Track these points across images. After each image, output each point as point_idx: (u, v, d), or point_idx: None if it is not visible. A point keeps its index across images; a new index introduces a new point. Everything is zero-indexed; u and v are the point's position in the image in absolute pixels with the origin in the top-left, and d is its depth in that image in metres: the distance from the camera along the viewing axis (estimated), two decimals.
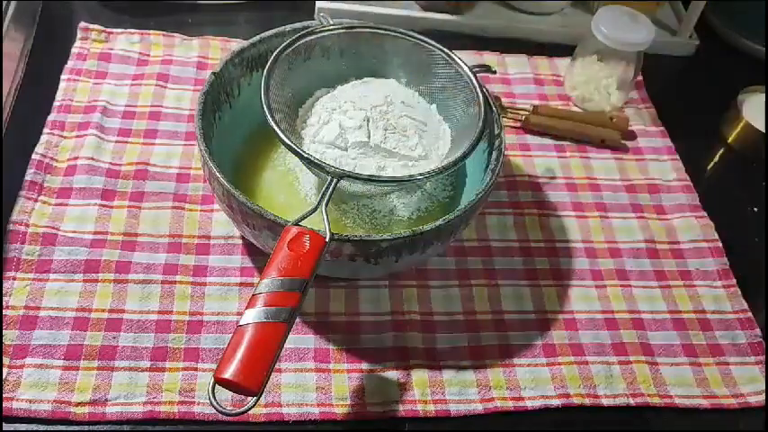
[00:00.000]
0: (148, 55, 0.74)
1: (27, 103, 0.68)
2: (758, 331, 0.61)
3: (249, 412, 0.50)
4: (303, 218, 0.47)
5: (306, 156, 0.51)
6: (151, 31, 0.76)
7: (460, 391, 0.54)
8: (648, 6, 0.83)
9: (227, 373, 0.40)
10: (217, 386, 0.41)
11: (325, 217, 0.47)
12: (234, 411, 0.42)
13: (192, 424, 0.50)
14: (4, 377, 0.50)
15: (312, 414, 0.52)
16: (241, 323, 0.42)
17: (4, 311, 0.53)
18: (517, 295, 0.61)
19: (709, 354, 0.59)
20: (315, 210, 0.48)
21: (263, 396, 0.51)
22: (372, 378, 0.54)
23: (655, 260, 0.64)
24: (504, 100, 0.76)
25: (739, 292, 0.63)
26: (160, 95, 0.70)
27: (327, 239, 0.46)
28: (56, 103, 0.68)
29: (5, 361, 0.51)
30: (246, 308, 0.42)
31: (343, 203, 0.59)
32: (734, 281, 0.64)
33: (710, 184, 0.73)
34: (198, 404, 0.51)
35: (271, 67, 0.55)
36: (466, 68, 0.58)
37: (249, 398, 0.42)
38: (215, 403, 0.41)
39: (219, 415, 0.50)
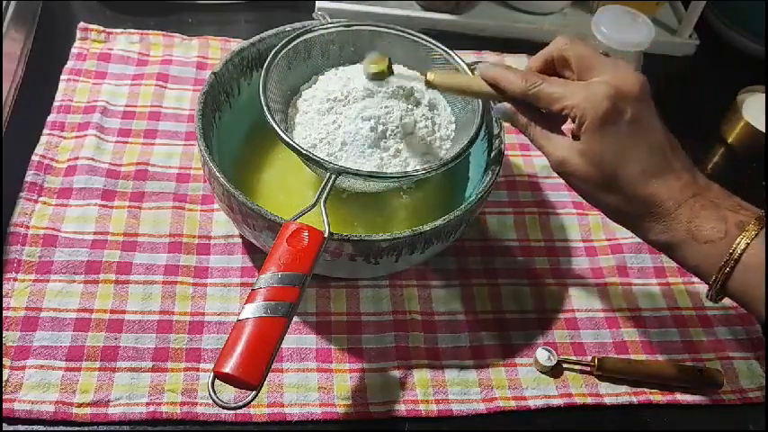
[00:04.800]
0: (148, 55, 0.74)
1: (27, 103, 0.68)
2: (758, 327, 0.61)
3: (252, 412, 0.51)
4: (302, 214, 0.47)
5: (305, 153, 0.51)
6: (151, 32, 0.76)
7: (463, 390, 0.54)
8: (648, 6, 0.83)
9: (227, 367, 0.40)
10: (218, 383, 0.41)
11: (324, 213, 0.47)
12: (233, 405, 0.42)
13: (194, 424, 0.50)
14: (5, 378, 0.50)
15: (314, 414, 0.52)
16: (240, 318, 0.42)
17: (5, 313, 0.53)
18: (518, 294, 0.61)
19: (709, 350, 0.59)
20: (313, 206, 0.48)
21: (265, 396, 0.52)
22: (374, 378, 0.54)
23: (655, 255, 0.64)
24: None
25: None
26: (160, 95, 0.70)
27: (326, 235, 0.46)
28: (55, 104, 0.68)
29: (7, 362, 0.51)
30: (246, 303, 0.43)
31: (343, 198, 0.59)
32: None
33: None
34: (200, 405, 0.51)
35: (269, 65, 0.55)
36: (464, 65, 0.58)
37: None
38: (214, 397, 0.41)
39: (222, 415, 0.50)
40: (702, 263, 0.44)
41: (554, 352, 0.55)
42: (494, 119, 0.58)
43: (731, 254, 0.42)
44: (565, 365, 0.56)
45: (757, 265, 0.42)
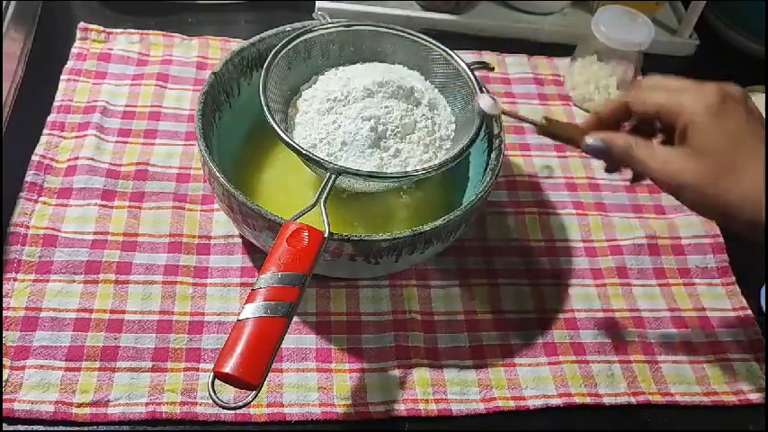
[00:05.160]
0: (148, 55, 0.74)
1: (27, 103, 0.68)
2: (758, 328, 0.61)
3: (251, 412, 0.51)
4: (302, 214, 0.48)
5: (305, 153, 0.51)
6: (151, 32, 0.76)
7: (462, 390, 0.54)
8: (648, 6, 0.83)
9: (227, 367, 0.40)
10: (217, 383, 0.41)
11: (324, 213, 0.47)
12: (233, 405, 0.42)
13: (194, 424, 0.50)
14: (5, 378, 0.50)
15: (314, 414, 0.52)
16: (240, 318, 0.42)
17: (5, 313, 0.53)
18: (517, 295, 0.61)
19: (709, 351, 0.59)
20: (313, 206, 0.48)
21: (265, 396, 0.52)
22: (374, 378, 0.54)
23: (655, 257, 0.64)
24: (504, 99, 0.76)
25: (738, 290, 0.63)
26: (160, 95, 0.70)
27: (326, 235, 0.46)
28: (55, 104, 0.68)
29: (7, 362, 0.51)
30: (246, 303, 0.43)
31: (343, 198, 0.59)
32: (733, 278, 0.64)
33: None
34: (200, 405, 0.51)
35: (269, 65, 0.55)
36: (464, 65, 0.58)
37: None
38: (214, 397, 0.41)
39: (222, 415, 0.50)
40: None
41: (498, 101, 0.54)
42: (494, 118, 0.58)
43: None
44: (506, 113, 0.54)
45: None
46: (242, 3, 0.82)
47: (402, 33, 0.60)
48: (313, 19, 0.60)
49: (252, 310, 0.42)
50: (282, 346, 0.45)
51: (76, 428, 0.49)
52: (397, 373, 0.55)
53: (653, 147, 0.45)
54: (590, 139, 0.47)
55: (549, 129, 0.51)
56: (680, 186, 0.44)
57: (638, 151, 0.45)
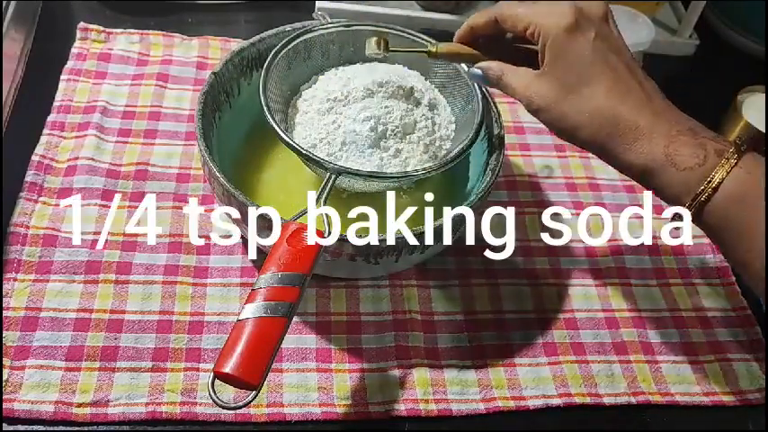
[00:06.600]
0: (148, 55, 0.74)
1: (27, 103, 0.68)
2: (758, 329, 0.61)
3: (251, 412, 0.51)
4: (302, 214, 0.48)
5: (305, 153, 0.51)
6: (151, 32, 0.76)
7: (462, 390, 0.54)
8: (648, 6, 0.83)
9: (227, 367, 0.40)
10: (218, 383, 0.41)
11: (324, 213, 0.47)
12: (233, 405, 0.42)
13: (194, 424, 0.50)
14: (5, 378, 0.50)
15: (314, 414, 0.52)
16: (240, 318, 0.42)
17: (5, 313, 0.53)
18: (517, 295, 0.61)
19: (709, 351, 0.59)
20: (313, 206, 0.48)
21: (265, 396, 0.52)
22: (374, 378, 0.54)
23: (655, 257, 0.65)
24: (503, 100, 0.76)
25: (738, 290, 0.63)
26: (160, 95, 0.70)
27: (326, 235, 0.46)
28: (55, 104, 0.68)
29: (7, 362, 0.51)
30: (246, 303, 0.43)
31: (343, 198, 0.59)
32: (733, 278, 0.64)
33: None
34: (200, 405, 0.51)
35: (269, 65, 0.55)
36: (464, 65, 0.58)
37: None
38: (214, 397, 0.41)
39: (221, 415, 0.50)
40: (682, 191, 0.42)
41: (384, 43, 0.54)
42: (494, 118, 0.58)
43: (709, 181, 0.41)
44: (394, 50, 0.54)
45: (739, 195, 0.40)
46: (242, 3, 0.82)
47: (402, 33, 0.60)
48: (313, 19, 0.60)
49: (252, 310, 0.42)
50: (282, 346, 0.45)
51: (76, 428, 0.49)
52: (397, 373, 0.55)
53: (521, 72, 0.47)
54: (472, 68, 0.50)
55: (436, 53, 0.53)
56: (534, 110, 0.46)
57: (507, 77, 0.48)
